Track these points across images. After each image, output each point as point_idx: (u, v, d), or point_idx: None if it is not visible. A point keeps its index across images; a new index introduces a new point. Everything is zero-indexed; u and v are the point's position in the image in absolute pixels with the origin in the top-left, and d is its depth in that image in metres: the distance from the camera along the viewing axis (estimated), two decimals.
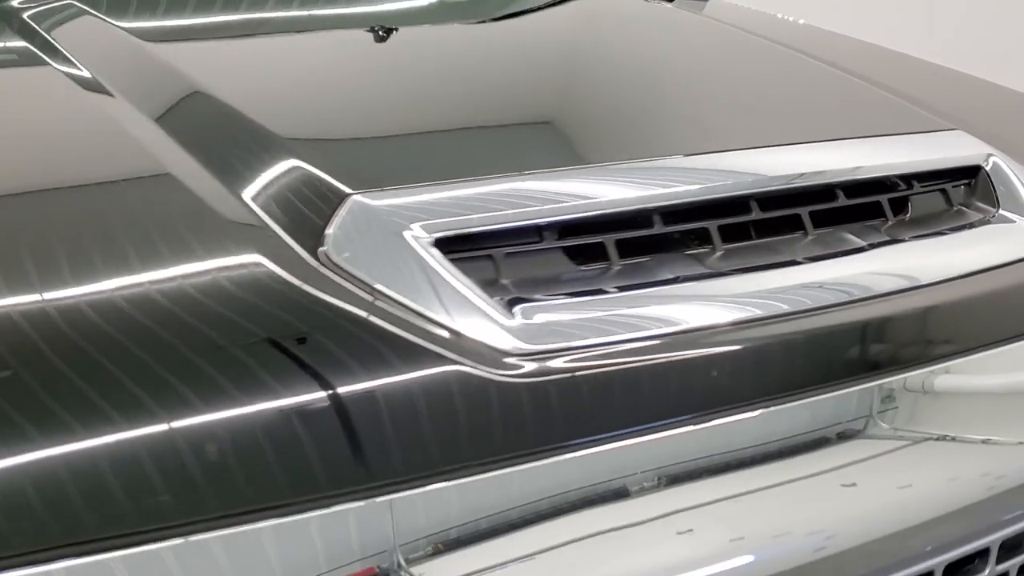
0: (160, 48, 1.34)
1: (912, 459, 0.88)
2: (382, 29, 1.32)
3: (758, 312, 0.82)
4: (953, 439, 0.91)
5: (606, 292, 0.82)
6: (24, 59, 1.34)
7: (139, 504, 0.63)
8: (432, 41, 1.48)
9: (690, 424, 0.76)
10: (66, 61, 1.26)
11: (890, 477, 0.86)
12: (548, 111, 1.14)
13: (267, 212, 0.83)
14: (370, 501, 0.68)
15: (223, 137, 0.95)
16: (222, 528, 0.65)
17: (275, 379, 0.69)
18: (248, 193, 0.85)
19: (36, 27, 1.42)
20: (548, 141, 1.05)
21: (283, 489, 0.67)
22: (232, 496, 0.65)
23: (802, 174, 0.99)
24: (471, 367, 0.73)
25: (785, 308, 0.83)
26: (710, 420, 0.76)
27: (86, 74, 1.18)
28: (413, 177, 0.87)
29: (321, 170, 0.86)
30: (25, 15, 1.48)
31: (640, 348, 0.77)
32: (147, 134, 0.98)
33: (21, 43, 1.39)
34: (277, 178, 0.87)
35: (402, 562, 0.70)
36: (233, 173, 0.87)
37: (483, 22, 1.61)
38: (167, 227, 0.82)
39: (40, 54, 1.30)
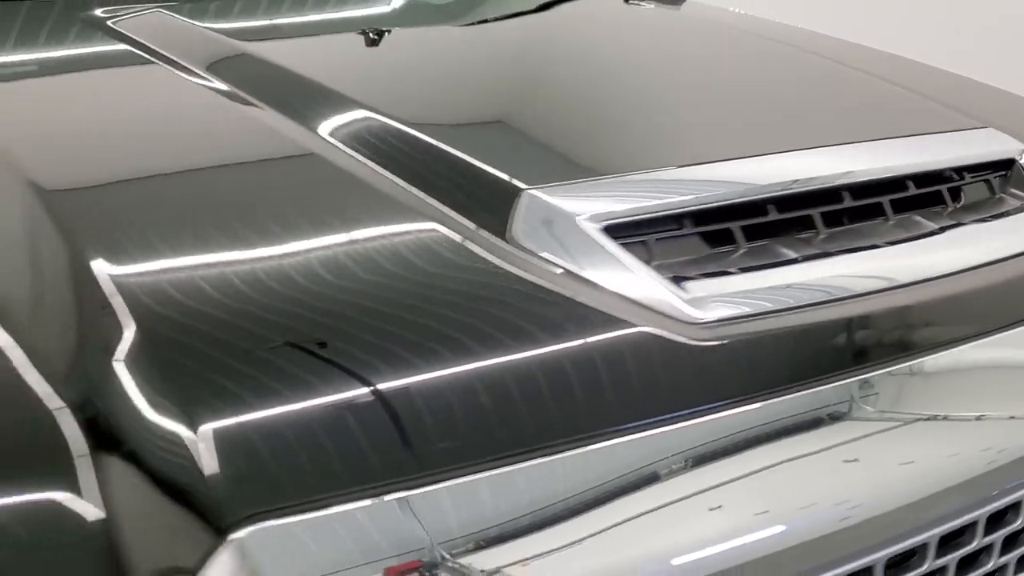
0: (263, 47, 1.44)
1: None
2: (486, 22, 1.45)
3: (883, 283, 0.96)
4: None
5: (750, 269, 0.96)
6: (133, 61, 1.42)
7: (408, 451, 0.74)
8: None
9: (832, 381, 0.90)
10: (177, 64, 1.35)
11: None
12: (667, 111, 1.28)
13: (454, 207, 0.95)
14: (586, 448, 0.80)
15: (392, 140, 1.06)
16: (474, 473, 0.76)
17: (499, 340, 0.81)
18: (437, 193, 0.97)
19: (126, 33, 1.51)
20: (670, 139, 1.18)
21: (510, 438, 0.79)
22: (488, 439, 0.76)
23: (881, 167, 1.14)
24: (656, 331, 0.86)
25: (901, 279, 0.98)
26: (852, 376, 0.90)
27: (214, 81, 1.28)
28: (573, 172, 1.00)
29: (494, 167, 0.98)
30: (111, 23, 1.57)
31: (787, 314, 0.91)
32: (308, 139, 1.09)
33: (121, 46, 1.47)
34: (458, 176, 0.99)
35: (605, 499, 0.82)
36: (420, 177, 0.99)
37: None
38: (376, 228, 0.94)
39: (150, 57, 1.40)
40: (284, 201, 0.97)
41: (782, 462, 0.86)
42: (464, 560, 0.73)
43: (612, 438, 0.81)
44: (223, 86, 1.26)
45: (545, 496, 0.77)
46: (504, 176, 0.98)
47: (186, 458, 0.68)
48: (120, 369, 0.74)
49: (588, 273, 0.90)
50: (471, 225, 0.93)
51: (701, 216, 1.01)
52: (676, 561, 0.78)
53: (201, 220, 0.95)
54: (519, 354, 0.81)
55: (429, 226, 0.93)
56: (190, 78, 1.31)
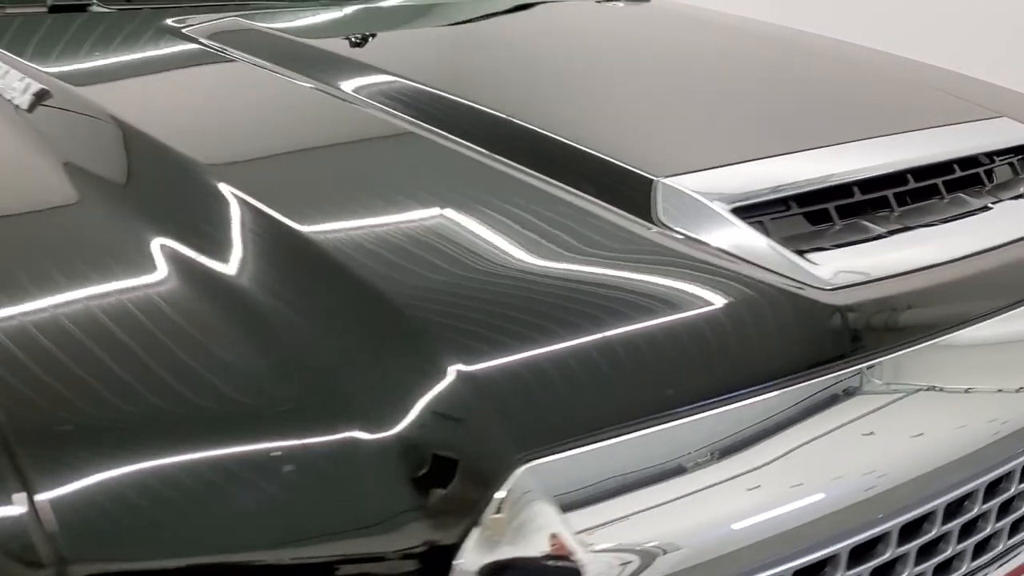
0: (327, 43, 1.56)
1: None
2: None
3: (965, 251, 1.13)
4: None
5: (854, 243, 1.11)
6: (217, 59, 1.53)
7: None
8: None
9: (939, 336, 1.06)
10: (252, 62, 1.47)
11: None
12: (745, 108, 1.43)
13: (605, 199, 1.09)
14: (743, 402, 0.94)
15: (519, 139, 1.20)
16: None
17: (672, 302, 0.95)
18: (585, 187, 1.11)
19: (204, 39, 1.61)
20: (759, 132, 1.33)
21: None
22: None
23: (931, 154, 1.31)
24: (794, 293, 1.01)
25: (979, 248, 1.15)
26: (953, 331, 1.06)
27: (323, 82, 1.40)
28: (690, 163, 1.14)
29: (629, 163, 1.12)
30: (186, 30, 1.66)
31: (897, 279, 1.07)
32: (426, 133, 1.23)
33: (198, 47, 1.57)
34: (601, 172, 1.13)
35: None
36: (566, 175, 1.13)
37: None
38: (546, 221, 1.06)
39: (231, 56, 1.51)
40: (468, 197, 1.10)
41: (896, 400, 1.01)
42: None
43: (769, 389, 0.95)
44: (309, 82, 1.39)
45: (727, 431, 0.91)
46: (639, 169, 1.12)
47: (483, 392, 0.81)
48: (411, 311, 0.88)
49: (728, 246, 1.04)
50: (625, 212, 1.07)
51: (802, 198, 1.16)
52: (832, 486, 0.93)
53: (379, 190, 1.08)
54: (689, 314, 0.95)
55: (593, 215, 1.07)
56: (273, 73, 1.44)
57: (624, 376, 0.87)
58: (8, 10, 1.82)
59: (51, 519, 0.74)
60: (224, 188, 1.05)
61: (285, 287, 0.91)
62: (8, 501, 0.75)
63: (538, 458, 0.80)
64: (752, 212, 1.11)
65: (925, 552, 1.04)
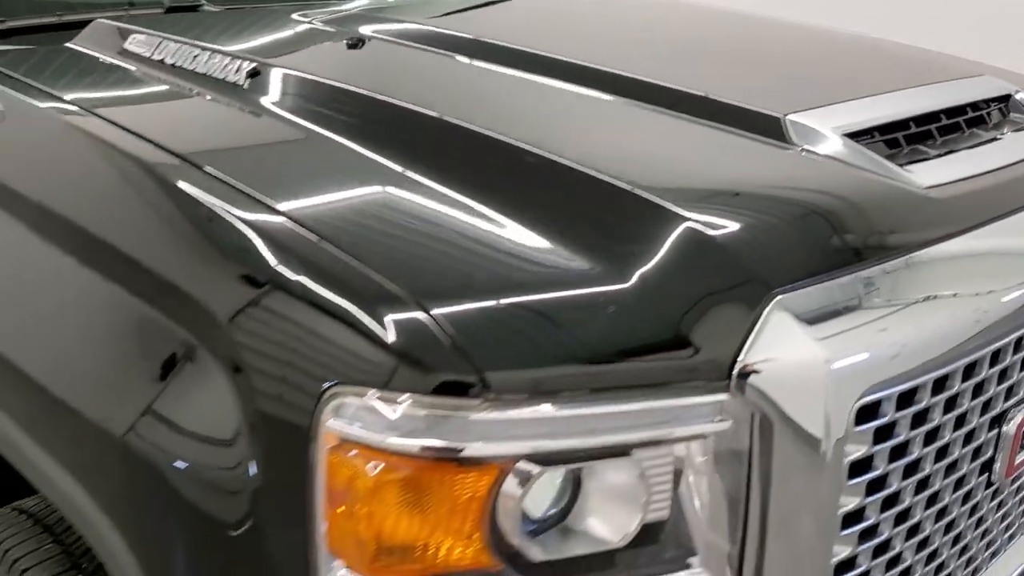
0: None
1: None
2: None
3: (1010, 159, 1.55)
4: None
5: (927, 159, 1.50)
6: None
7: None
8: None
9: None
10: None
11: None
12: (825, 67, 1.81)
13: (752, 131, 1.46)
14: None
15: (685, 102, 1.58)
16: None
17: (820, 195, 1.33)
18: (740, 125, 1.50)
19: (342, 27, 1.91)
20: (839, 83, 1.71)
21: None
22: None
23: (953, 98, 1.71)
24: (902, 188, 1.39)
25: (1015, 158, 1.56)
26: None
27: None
28: (806, 102, 1.52)
29: (761, 108, 1.50)
30: (318, 23, 1.95)
31: (974, 179, 1.47)
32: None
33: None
34: (744, 118, 1.50)
35: None
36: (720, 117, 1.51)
37: None
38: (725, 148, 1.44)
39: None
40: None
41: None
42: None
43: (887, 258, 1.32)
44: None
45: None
46: (769, 112, 1.50)
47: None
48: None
49: (849, 159, 1.43)
50: (772, 140, 1.45)
51: (881, 128, 1.55)
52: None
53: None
54: (829, 200, 1.33)
55: (749, 142, 1.45)
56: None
57: (827, 233, 1.27)
58: (131, 12, 2.08)
59: (451, 331, 1.06)
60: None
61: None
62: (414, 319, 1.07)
63: (789, 291, 1.16)
64: (858, 136, 1.49)
65: None
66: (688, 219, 1.21)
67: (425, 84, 1.66)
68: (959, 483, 1.39)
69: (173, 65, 1.68)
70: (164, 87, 1.63)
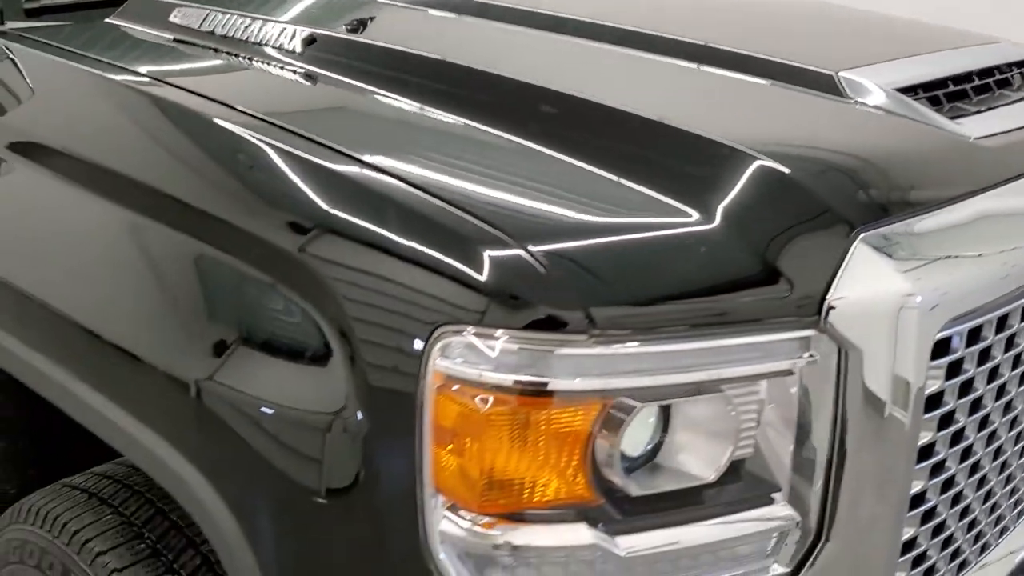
0: None
1: None
2: None
3: None
4: None
5: (969, 115, 1.56)
6: None
7: None
8: None
9: None
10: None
11: None
12: (861, 36, 1.87)
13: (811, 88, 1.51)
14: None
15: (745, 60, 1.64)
16: None
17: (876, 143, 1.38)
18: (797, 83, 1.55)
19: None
20: (878, 46, 1.77)
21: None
22: None
23: (977, 61, 1.78)
24: (952, 137, 1.45)
25: None
26: None
27: None
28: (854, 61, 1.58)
29: (813, 66, 1.55)
30: None
31: (1011, 132, 1.53)
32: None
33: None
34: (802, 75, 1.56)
35: None
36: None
37: None
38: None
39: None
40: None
41: None
42: None
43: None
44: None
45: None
46: (823, 70, 1.56)
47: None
48: None
49: (901, 111, 1.48)
50: (825, 94, 1.50)
51: (923, 86, 1.60)
52: None
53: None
54: (894, 147, 1.39)
55: (809, 96, 1.51)
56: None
57: (898, 176, 1.32)
58: None
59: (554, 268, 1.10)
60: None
61: None
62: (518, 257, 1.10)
63: (871, 229, 1.21)
64: (908, 92, 1.55)
65: None
66: (770, 163, 1.26)
67: (481, 46, 1.71)
68: (1013, 423, 1.45)
69: (225, 36, 1.70)
70: (224, 57, 1.65)
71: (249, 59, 1.63)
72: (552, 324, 1.09)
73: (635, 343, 1.12)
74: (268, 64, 1.60)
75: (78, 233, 1.44)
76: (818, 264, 1.18)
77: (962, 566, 1.46)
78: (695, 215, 1.19)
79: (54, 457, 1.85)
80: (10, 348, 1.51)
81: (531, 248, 1.11)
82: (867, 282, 1.18)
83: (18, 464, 1.89)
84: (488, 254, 1.11)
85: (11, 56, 1.67)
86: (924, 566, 1.38)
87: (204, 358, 1.25)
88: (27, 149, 1.55)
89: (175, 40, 1.72)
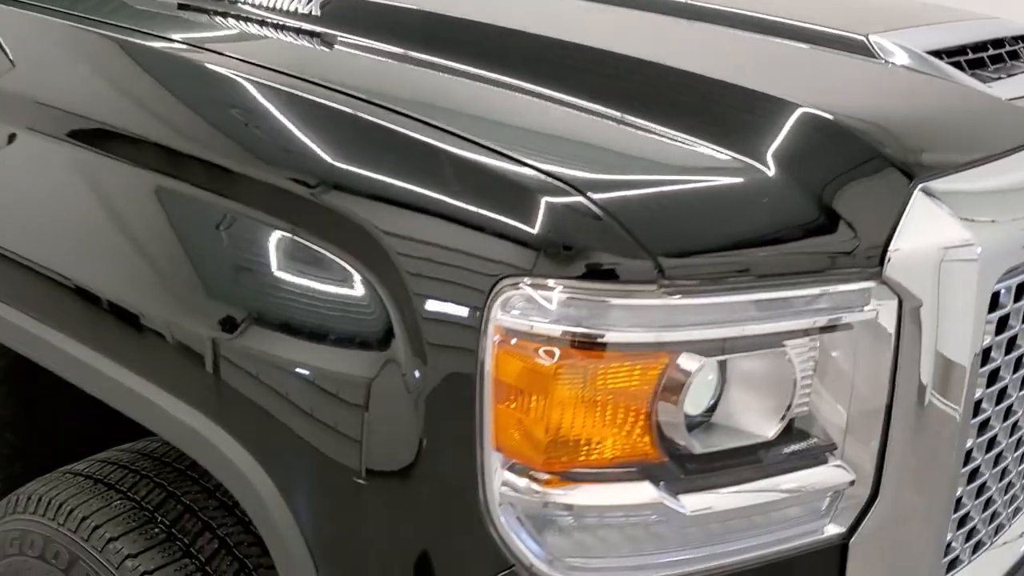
0: None
1: None
2: None
3: None
4: None
5: (995, 79, 1.57)
6: None
7: None
8: None
9: None
10: None
11: None
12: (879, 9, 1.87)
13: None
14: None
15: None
16: None
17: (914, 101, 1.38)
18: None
19: None
20: (897, 17, 1.78)
21: None
22: None
23: (987, 32, 1.79)
24: (981, 95, 1.45)
25: None
26: None
27: None
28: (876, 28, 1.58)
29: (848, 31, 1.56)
30: None
31: None
32: None
33: None
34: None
35: None
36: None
37: None
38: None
39: None
40: None
41: None
42: None
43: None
44: None
45: None
46: (855, 34, 1.56)
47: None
48: None
49: (932, 72, 1.48)
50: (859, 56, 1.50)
51: (948, 52, 1.61)
52: None
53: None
54: (939, 104, 1.40)
55: (847, 58, 1.51)
56: None
57: (950, 129, 1.32)
58: None
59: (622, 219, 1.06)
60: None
61: None
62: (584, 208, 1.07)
63: (929, 179, 1.20)
64: (938, 56, 1.56)
65: None
66: (826, 116, 1.24)
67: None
68: None
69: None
70: (242, 21, 1.60)
71: (265, 21, 1.57)
72: (615, 274, 1.06)
73: (705, 294, 1.09)
74: (285, 26, 1.56)
75: (102, 203, 1.37)
76: (879, 214, 1.16)
77: (998, 529, 1.45)
78: (757, 167, 1.17)
79: (41, 451, 1.78)
80: (32, 330, 1.43)
81: (600, 198, 1.08)
82: (927, 232, 1.16)
83: (4, 458, 1.82)
84: (557, 204, 1.07)
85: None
86: (967, 527, 1.37)
87: (254, 327, 1.20)
88: (46, 120, 1.47)
89: (192, 5, 1.66)
